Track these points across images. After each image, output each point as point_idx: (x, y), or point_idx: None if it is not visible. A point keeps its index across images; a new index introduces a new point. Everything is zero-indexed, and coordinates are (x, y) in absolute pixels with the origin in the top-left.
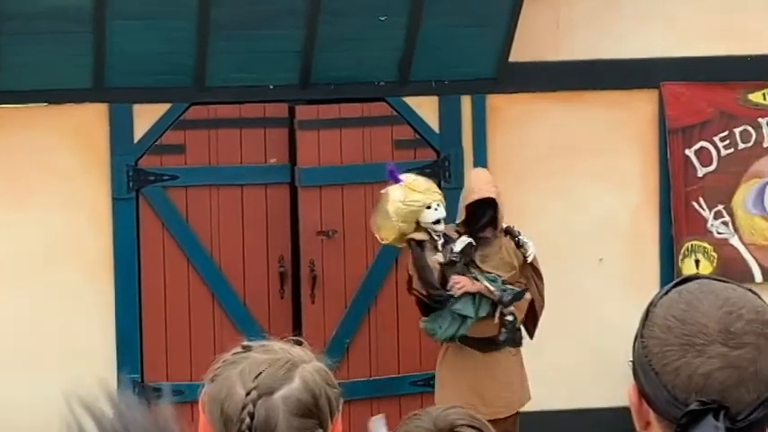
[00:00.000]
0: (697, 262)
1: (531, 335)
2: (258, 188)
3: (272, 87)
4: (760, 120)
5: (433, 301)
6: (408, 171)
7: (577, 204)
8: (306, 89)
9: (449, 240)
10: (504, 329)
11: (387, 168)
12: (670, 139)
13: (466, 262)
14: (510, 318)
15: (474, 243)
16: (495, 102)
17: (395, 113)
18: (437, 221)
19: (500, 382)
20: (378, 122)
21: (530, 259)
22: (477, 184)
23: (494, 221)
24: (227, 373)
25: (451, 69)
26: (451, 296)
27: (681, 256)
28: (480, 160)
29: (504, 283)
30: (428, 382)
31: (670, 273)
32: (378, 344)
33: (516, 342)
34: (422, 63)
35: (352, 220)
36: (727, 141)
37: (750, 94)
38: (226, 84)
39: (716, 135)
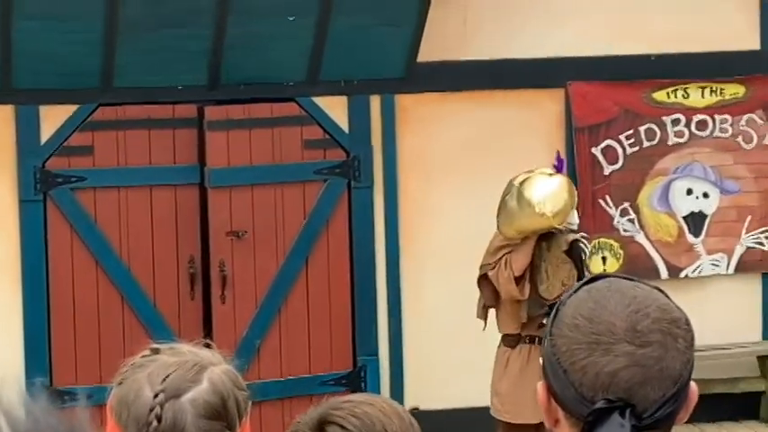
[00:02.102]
0: (604, 259)
1: None
2: (167, 189)
3: (180, 88)
4: (664, 118)
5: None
6: (321, 170)
7: (486, 203)
8: (215, 90)
9: None
10: None
11: (557, 157)
12: (576, 137)
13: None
14: None
15: None
16: (404, 101)
17: (304, 113)
18: (575, 224)
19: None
20: (287, 123)
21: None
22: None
23: None
24: (135, 376)
25: (360, 69)
26: None
27: (588, 253)
28: (390, 160)
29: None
30: (339, 382)
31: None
32: (288, 344)
33: None
34: (331, 63)
35: (262, 220)
36: (633, 140)
37: (654, 93)
38: (134, 84)
39: (621, 133)
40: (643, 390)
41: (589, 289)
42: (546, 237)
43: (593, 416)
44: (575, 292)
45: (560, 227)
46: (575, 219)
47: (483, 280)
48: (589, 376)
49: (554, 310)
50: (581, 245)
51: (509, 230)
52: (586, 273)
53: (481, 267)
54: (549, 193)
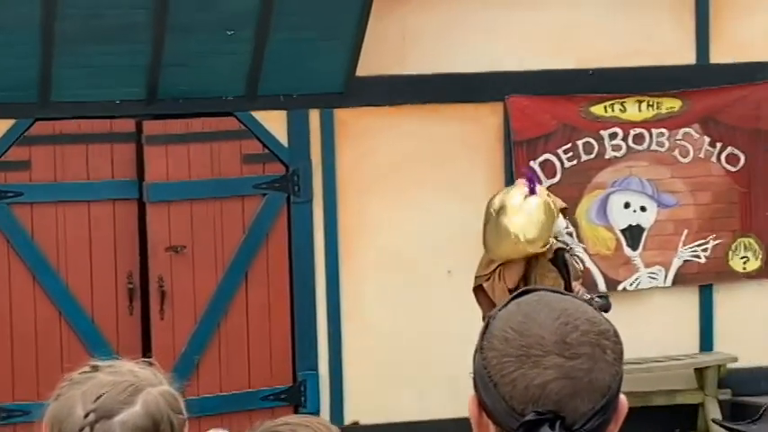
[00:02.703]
0: None
1: None
2: (105, 204)
3: (118, 102)
4: (602, 132)
5: None
6: (260, 185)
7: (426, 217)
8: (153, 104)
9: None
10: None
11: (527, 173)
12: (515, 151)
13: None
14: None
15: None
16: (342, 116)
17: (243, 128)
18: (566, 229)
19: None
20: (226, 137)
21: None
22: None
23: None
24: (70, 393)
25: (299, 84)
26: None
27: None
28: (329, 174)
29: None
30: (279, 397)
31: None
32: (228, 359)
33: None
34: (270, 78)
35: (201, 235)
36: (571, 153)
37: (592, 106)
38: (71, 99)
39: (559, 147)
40: (573, 402)
41: (519, 302)
42: None
43: (524, 428)
44: (505, 305)
45: (544, 249)
46: (561, 226)
47: (479, 291)
48: (519, 389)
49: (484, 324)
50: (565, 253)
51: (495, 255)
52: (574, 283)
53: (475, 279)
54: (524, 222)
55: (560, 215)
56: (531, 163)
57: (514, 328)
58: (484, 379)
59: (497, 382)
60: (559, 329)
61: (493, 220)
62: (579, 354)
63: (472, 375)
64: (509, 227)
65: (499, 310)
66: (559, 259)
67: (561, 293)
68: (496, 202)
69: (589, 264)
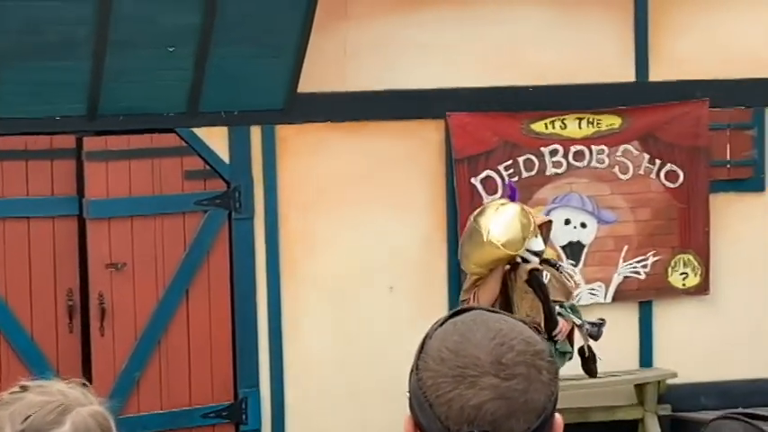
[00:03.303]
0: None
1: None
2: (45, 221)
3: (58, 119)
4: (542, 149)
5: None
6: (201, 201)
7: (367, 233)
8: (94, 120)
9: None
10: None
11: (507, 184)
12: (456, 168)
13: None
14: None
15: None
16: (284, 132)
17: (184, 144)
18: (537, 253)
19: None
20: (167, 153)
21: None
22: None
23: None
24: None
25: (241, 100)
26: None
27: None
28: (270, 190)
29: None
30: (220, 414)
31: (458, 301)
32: (169, 376)
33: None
34: (211, 94)
35: (142, 252)
36: (512, 170)
37: (533, 123)
38: (11, 115)
39: (500, 164)
40: (508, 422)
41: (455, 322)
42: (514, 267)
43: None
44: (440, 325)
45: (515, 254)
46: (537, 246)
47: None
48: (454, 409)
49: (420, 343)
50: (539, 273)
51: (468, 266)
52: (554, 306)
53: (460, 303)
54: (498, 222)
55: (538, 235)
56: (473, 180)
57: (450, 348)
58: (419, 399)
59: (433, 402)
60: (495, 350)
61: (470, 224)
62: (515, 374)
63: (408, 395)
64: (481, 227)
65: (435, 330)
66: (534, 280)
67: (498, 313)
68: (477, 211)
69: None
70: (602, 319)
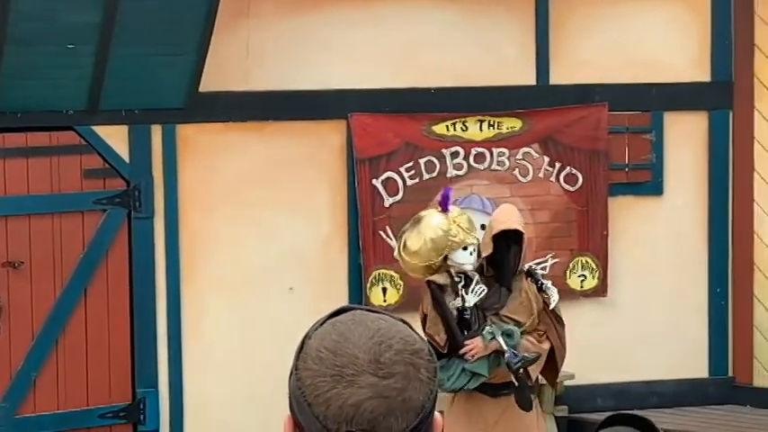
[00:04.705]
0: (384, 290)
1: (552, 384)
2: None
3: None
4: (443, 150)
5: (448, 351)
6: (100, 200)
7: (268, 234)
8: None
9: (468, 283)
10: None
11: (443, 191)
12: (358, 169)
13: (483, 307)
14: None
15: (486, 290)
16: (184, 131)
17: (84, 142)
18: (464, 265)
19: (513, 428)
20: (66, 152)
21: (552, 306)
22: (506, 215)
23: (517, 258)
24: None
25: (141, 98)
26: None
27: (369, 285)
28: (171, 190)
29: (522, 332)
30: (117, 415)
31: (359, 301)
32: (66, 376)
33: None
34: (111, 92)
35: (40, 250)
36: (413, 172)
37: (434, 125)
38: None
39: (402, 165)
40: (386, 421)
41: (333, 322)
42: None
43: None
44: (320, 325)
45: (429, 263)
46: (463, 259)
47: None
48: (333, 408)
49: (300, 344)
50: (436, 286)
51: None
52: (489, 324)
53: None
54: (410, 233)
55: (469, 248)
56: (374, 181)
57: (329, 348)
58: (299, 399)
59: (311, 402)
60: (373, 349)
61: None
62: (393, 373)
63: (288, 396)
64: (402, 235)
65: (315, 330)
66: (433, 292)
67: (378, 312)
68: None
69: None
70: (538, 354)
